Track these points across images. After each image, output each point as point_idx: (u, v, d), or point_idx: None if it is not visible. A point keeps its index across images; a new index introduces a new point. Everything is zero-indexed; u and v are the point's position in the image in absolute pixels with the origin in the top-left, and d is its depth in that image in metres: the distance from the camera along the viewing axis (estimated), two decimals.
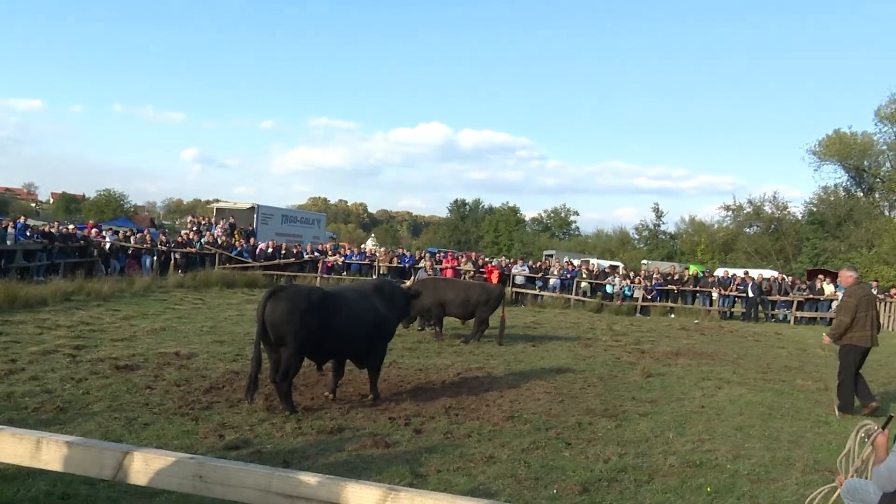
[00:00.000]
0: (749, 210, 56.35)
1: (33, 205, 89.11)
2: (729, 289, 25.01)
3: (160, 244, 23.32)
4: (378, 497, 1.72)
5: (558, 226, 79.95)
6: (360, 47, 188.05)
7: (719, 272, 29.61)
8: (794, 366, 13.12)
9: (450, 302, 13.41)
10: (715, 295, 25.20)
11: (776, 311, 24.96)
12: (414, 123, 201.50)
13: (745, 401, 9.28)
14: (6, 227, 18.64)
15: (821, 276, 27.43)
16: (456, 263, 25.30)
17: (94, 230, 23.72)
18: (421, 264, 24.05)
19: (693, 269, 32.59)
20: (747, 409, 8.81)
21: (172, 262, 22.91)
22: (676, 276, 26.46)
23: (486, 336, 13.56)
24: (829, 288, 24.69)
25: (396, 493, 1.71)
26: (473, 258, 27.46)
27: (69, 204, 79.42)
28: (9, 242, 17.94)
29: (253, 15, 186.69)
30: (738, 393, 9.80)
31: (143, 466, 1.90)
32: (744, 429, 7.71)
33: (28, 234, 19.16)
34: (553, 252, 49.27)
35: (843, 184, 52.12)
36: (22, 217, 22.19)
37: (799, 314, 24.19)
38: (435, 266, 24.10)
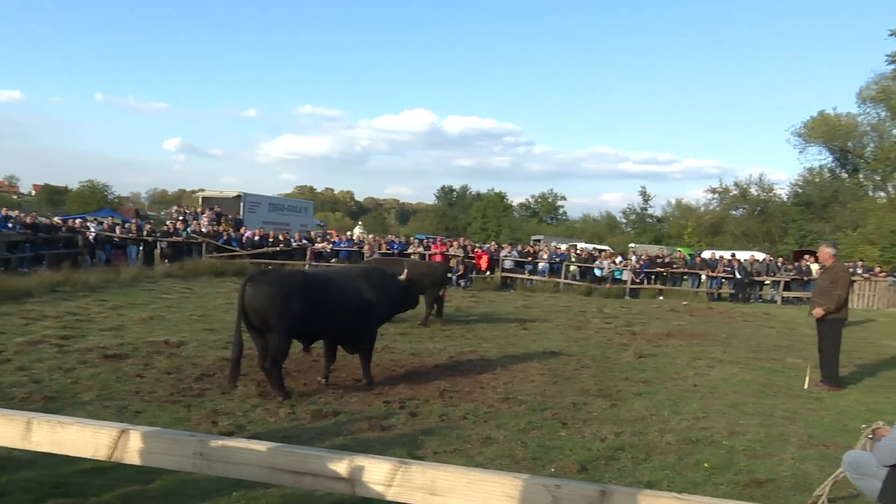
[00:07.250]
0: (735, 192, 56.69)
1: (15, 197, 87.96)
2: (717, 271, 25.13)
3: (146, 234, 23.09)
4: (388, 470, 1.65)
5: (546, 211, 79.96)
6: (344, 34, 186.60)
7: (706, 254, 29.74)
8: (784, 344, 13.19)
9: None
10: (703, 277, 25.32)
11: (763, 291, 25.16)
12: (398, 110, 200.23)
13: (737, 379, 9.31)
14: None
15: (807, 257, 27.65)
16: (445, 249, 25.24)
17: (77, 221, 23.46)
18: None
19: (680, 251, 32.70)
20: (740, 387, 8.84)
21: (158, 251, 22.68)
22: (667, 259, 26.53)
23: (478, 318, 13.52)
24: (815, 268, 24.83)
25: (407, 465, 1.65)
26: (463, 244, 27.39)
27: (52, 196, 78.36)
28: None
29: (234, 3, 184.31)
30: (731, 372, 9.83)
31: (141, 445, 1.81)
32: (738, 406, 7.73)
33: (10, 225, 18.88)
34: (541, 237, 49.26)
35: (828, 165, 52.44)
36: (3, 209, 21.88)
37: (786, 294, 24.37)
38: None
